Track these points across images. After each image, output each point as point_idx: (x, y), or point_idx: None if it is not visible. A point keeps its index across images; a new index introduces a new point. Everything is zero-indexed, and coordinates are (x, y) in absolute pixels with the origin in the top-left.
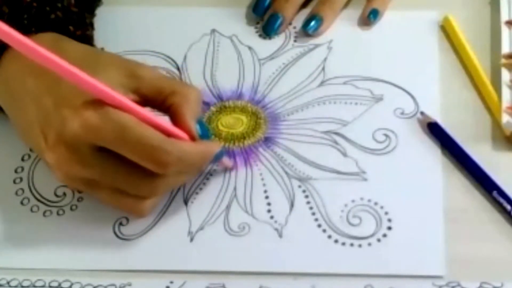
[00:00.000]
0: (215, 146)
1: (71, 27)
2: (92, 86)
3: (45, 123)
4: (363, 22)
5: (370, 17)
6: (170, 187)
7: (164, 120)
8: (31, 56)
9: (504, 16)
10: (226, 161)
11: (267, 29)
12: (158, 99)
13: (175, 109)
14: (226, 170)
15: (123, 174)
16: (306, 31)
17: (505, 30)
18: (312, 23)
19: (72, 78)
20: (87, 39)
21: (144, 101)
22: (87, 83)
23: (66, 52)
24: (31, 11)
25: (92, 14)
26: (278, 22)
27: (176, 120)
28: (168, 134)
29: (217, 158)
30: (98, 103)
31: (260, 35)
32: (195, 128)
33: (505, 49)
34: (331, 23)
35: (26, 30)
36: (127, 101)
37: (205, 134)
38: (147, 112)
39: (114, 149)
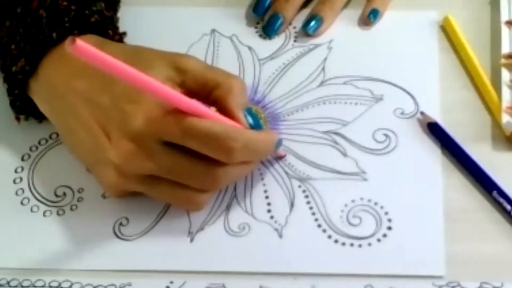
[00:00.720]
0: (274, 134)
1: (110, 31)
2: (153, 87)
3: (105, 120)
4: (363, 22)
5: (370, 17)
6: (232, 179)
7: (220, 115)
8: (85, 59)
9: (504, 16)
10: (280, 150)
11: (268, 30)
12: (203, 92)
13: (222, 102)
14: (280, 158)
15: (187, 167)
16: (306, 31)
17: (505, 30)
18: (312, 23)
19: (130, 79)
20: (122, 42)
21: (190, 94)
22: (147, 84)
23: (112, 53)
24: (70, 14)
25: (117, 17)
26: (279, 22)
27: (224, 113)
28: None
29: (277, 146)
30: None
31: (260, 35)
32: (245, 119)
33: (505, 49)
34: (331, 23)
35: (68, 32)
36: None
37: (256, 124)
38: (205, 107)
39: (181, 142)
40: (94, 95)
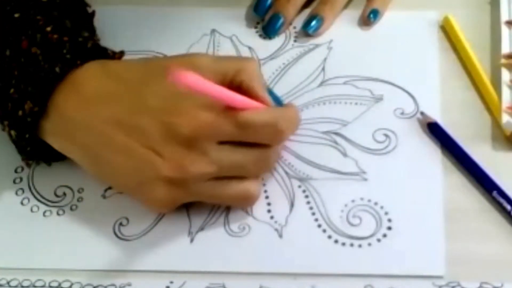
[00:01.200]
0: (294, 105)
1: (109, 52)
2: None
3: (148, 139)
4: (363, 22)
5: (370, 17)
6: (279, 157)
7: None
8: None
9: (504, 16)
10: None
11: (268, 30)
12: (225, 81)
13: (246, 86)
14: None
15: (245, 158)
16: (306, 31)
17: (505, 30)
18: (313, 23)
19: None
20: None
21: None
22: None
23: (125, 71)
24: (66, 45)
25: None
26: (279, 22)
27: (250, 96)
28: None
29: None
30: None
31: (260, 35)
32: (270, 99)
33: (505, 49)
34: (332, 23)
35: (71, 63)
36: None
37: (278, 101)
38: (241, 96)
39: (238, 138)
40: (127, 118)
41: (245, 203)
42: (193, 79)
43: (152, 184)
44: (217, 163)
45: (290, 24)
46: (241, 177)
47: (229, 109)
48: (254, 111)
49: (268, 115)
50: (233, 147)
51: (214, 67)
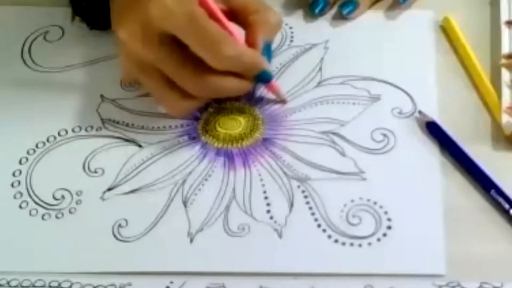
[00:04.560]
0: (265, 62)
1: None
2: None
3: (132, 2)
4: (392, 2)
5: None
6: (218, 90)
7: (236, 32)
8: None
9: (504, 16)
10: (279, 88)
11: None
12: (242, 14)
13: (253, 26)
14: (282, 103)
15: (178, 64)
16: (341, 13)
17: (505, 30)
18: (349, 5)
19: None
20: None
21: (230, 12)
22: None
23: None
24: None
25: None
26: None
27: (249, 35)
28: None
29: (264, 77)
30: None
31: None
32: (261, 47)
33: (505, 49)
34: (367, 9)
35: None
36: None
37: (268, 56)
38: (222, 15)
39: (180, 36)
40: None
41: (170, 112)
42: None
43: (120, 45)
44: (153, 51)
45: (287, 25)
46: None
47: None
48: (211, 21)
49: (217, 31)
50: (177, 47)
51: None
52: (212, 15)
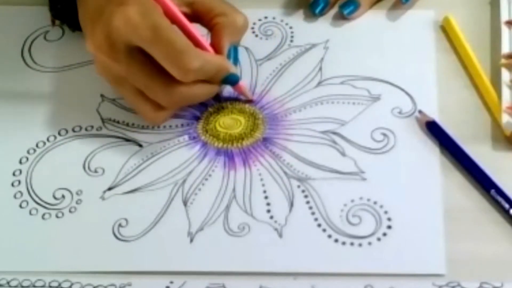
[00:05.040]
0: (231, 66)
1: None
2: None
3: (96, 15)
4: (394, 3)
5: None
6: (188, 99)
7: (201, 36)
8: None
9: (504, 16)
10: (246, 89)
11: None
12: (207, 17)
13: (218, 29)
14: (249, 102)
15: (147, 78)
16: (341, 13)
17: (505, 30)
18: (350, 6)
19: None
20: None
21: (195, 15)
22: None
23: None
24: None
25: None
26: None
27: (214, 38)
28: (199, 47)
29: (231, 79)
30: (143, 2)
31: (256, 36)
32: (227, 50)
33: (505, 49)
34: (367, 9)
35: None
36: (175, 7)
37: (234, 59)
38: (189, 23)
39: (145, 48)
40: None
41: (145, 121)
42: None
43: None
44: (121, 64)
45: (286, 23)
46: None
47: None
48: (175, 32)
49: (181, 43)
50: (144, 60)
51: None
52: (177, 22)
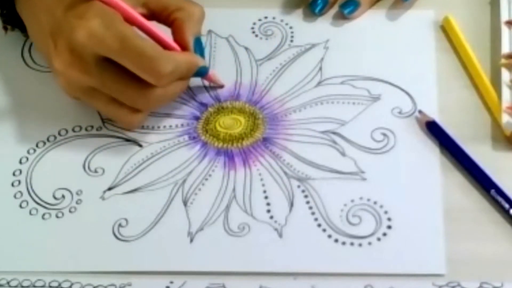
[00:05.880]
0: (200, 60)
1: None
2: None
3: (55, 31)
4: (395, 2)
5: None
6: (163, 100)
7: (164, 34)
8: None
9: (504, 16)
10: (215, 77)
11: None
12: (164, 13)
13: (178, 24)
14: (219, 87)
15: (121, 86)
16: (342, 12)
17: (505, 30)
18: (350, 6)
19: None
20: None
21: (151, 14)
22: None
23: None
24: None
25: None
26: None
27: (176, 34)
28: (167, 47)
29: (202, 72)
30: (104, 13)
31: (256, 36)
32: (192, 44)
33: (505, 49)
34: (367, 9)
35: None
36: (134, 11)
37: (200, 51)
38: (150, 24)
39: (115, 59)
40: (52, 6)
41: (121, 126)
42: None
43: (55, 71)
44: (93, 76)
45: (286, 23)
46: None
47: (121, 30)
48: (142, 39)
49: (150, 50)
50: (115, 68)
51: None
52: (139, 26)
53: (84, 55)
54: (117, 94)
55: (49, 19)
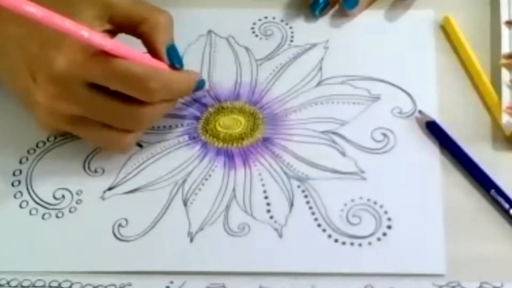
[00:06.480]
0: (196, 74)
1: None
2: (72, 32)
3: (32, 65)
4: (395, 3)
5: None
6: (155, 118)
7: (145, 55)
8: (4, 6)
9: (504, 16)
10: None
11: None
12: (130, 26)
13: (146, 38)
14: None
15: (111, 108)
16: (342, 7)
17: (505, 30)
18: (351, 1)
19: (50, 25)
20: None
21: (118, 28)
22: (66, 30)
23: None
24: None
25: None
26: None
27: (148, 48)
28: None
29: (200, 86)
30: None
31: (256, 36)
32: (165, 54)
33: (505, 49)
34: (367, 6)
35: None
36: (109, 42)
37: (178, 61)
38: (128, 49)
39: (103, 83)
40: (24, 41)
41: (113, 151)
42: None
43: (36, 106)
44: (81, 104)
45: (286, 23)
46: (111, 126)
47: (102, 53)
48: (125, 61)
49: (137, 69)
50: (103, 93)
51: (123, 8)
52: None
53: (68, 83)
54: (107, 118)
55: (22, 55)
